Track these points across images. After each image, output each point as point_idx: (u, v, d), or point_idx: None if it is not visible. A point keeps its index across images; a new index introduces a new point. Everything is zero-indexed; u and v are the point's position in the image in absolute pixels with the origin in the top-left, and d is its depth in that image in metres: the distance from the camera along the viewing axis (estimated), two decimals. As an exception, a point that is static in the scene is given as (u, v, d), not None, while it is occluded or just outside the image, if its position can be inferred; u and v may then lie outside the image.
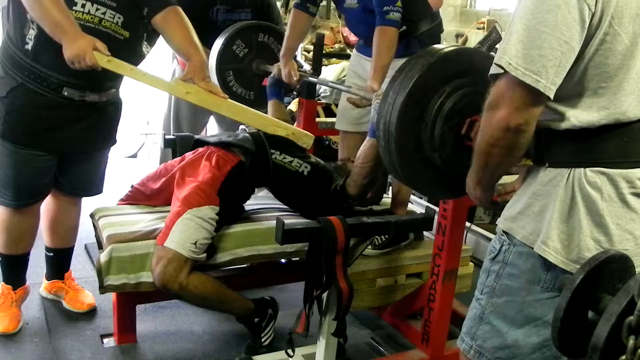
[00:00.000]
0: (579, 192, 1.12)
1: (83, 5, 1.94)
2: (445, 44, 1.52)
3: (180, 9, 2.10)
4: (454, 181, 1.54)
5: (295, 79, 2.44)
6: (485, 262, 1.30)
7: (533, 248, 1.16)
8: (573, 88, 1.11)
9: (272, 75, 2.52)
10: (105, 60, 1.88)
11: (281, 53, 2.47)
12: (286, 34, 2.49)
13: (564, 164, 1.14)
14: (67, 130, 2.08)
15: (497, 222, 1.27)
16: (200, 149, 2.12)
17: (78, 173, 2.24)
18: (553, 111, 1.13)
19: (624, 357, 0.90)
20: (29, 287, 2.33)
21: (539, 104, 1.07)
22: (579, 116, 1.11)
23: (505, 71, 1.06)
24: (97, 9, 1.96)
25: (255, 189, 2.20)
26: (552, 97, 1.06)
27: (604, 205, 1.11)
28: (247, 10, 2.84)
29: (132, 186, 2.23)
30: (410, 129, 1.44)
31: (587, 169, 1.11)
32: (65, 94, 2.01)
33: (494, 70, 1.10)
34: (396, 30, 2.11)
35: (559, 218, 1.13)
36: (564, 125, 1.12)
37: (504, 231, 1.24)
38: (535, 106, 1.07)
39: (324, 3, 5.16)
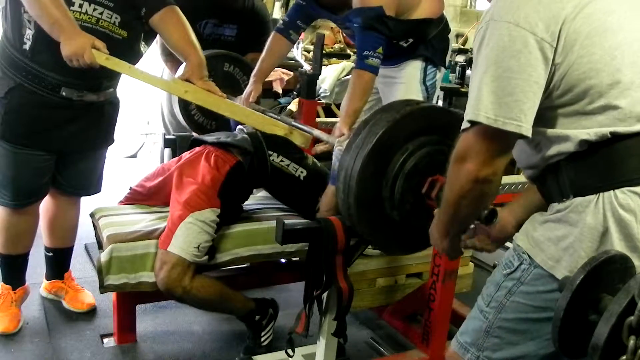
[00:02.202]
0: (611, 216, 1.07)
1: (80, 5, 1.94)
2: (412, 100, 1.52)
3: (177, 9, 2.10)
4: (411, 238, 1.54)
5: (250, 101, 2.38)
6: (497, 274, 1.26)
7: (554, 274, 1.12)
8: (571, 116, 1.10)
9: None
10: (103, 58, 1.88)
11: (253, 72, 2.43)
12: (262, 55, 2.44)
13: (589, 191, 1.10)
14: (65, 130, 2.08)
15: (514, 238, 1.24)
16: (198, 148, 2.12)
17: (76, 172, 2.24)
18: (560, 137, 1.11)
19: (624, 357, 0.90)
20: (28, 287, 2.33)
21: (509, 153, 1.09)
22: (586, 131, 1.09)
23: (473, 124, 1.07)
24: (95, 9, 1.96)
25: (254, 190, 2.20)
26: (530, 136, 1.07)
27: (639, 228, 1.07)
28: (233, 26, 2.80)
29: (130, 188, 2.23)
30: (371, 184, 1.44)
31: (617, 191, 1.07)
32: (64, 93, 2.01)
33: (465, 125, 1.10)
34: (373, 76, 2.08)
35: (590, 247, 1.08)
36: (576, 141, 1.10)
37: (523, 250, 1.20)
38: (504, 155, 1.09)
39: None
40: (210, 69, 2.56)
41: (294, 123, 2.27)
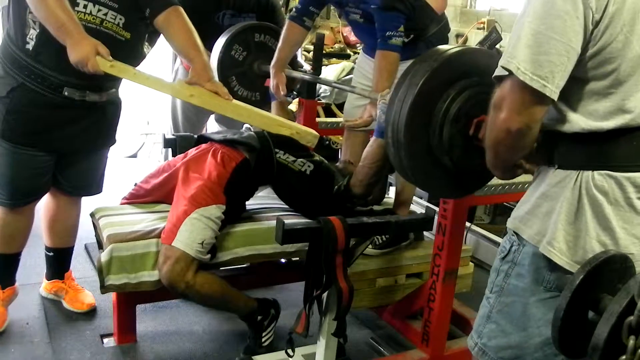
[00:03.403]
0: (585, 194, 1.12)
1: (85, 6, 1.94)
2: (447, 46, 1.52)
3: (181, 9, 2.10)
4: (465, 180, 1.55)
5: (282, 93, 2.43)
6: (495, 261, 1.31)
7: (539, 248, 1.17)
8: (582, 93, 1.11)
9: None
10: (108, 65, 1.89)
11: (272, 63, 2.46)
12: (279, 45, 2.47)
13: (572, 167, 1.15)
14: (66, 130, 2.08)
15: (507, 223, 1.28)
16: (204, 145, 2.12)
17: (77, 172, 2.24)
18: (562, 115, 1.13)
19: (624, 357, 0.90)
20: (17, 288, 2.32)
21: (542, 107, 1.09)
22: (587, 121, 1.11)
23: (510, 73, 1.07)
24: (99, 10, 1.96)
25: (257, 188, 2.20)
26: (556, 99, 1.07)
27: (610, 208, 1.11)
28: (251, 14, 2.84)
29: (135, 184, 2.23)
30: (419, 135, 1.45)
31: (595, 172, 1.12)
32: (66, 94, 2.01)
33: (499, 72, 1.11)
34: (398, 55, 2.11)
35: (566, 220, 1.13)
36: (573, 129, 1.12)
37: (514, 231, 1.25)
38: (537, 109, 1.08)
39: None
40: (242, 43, 2.62)
41: (334, 84, 2.30)
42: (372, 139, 1.96)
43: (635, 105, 1.09)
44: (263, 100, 2.65)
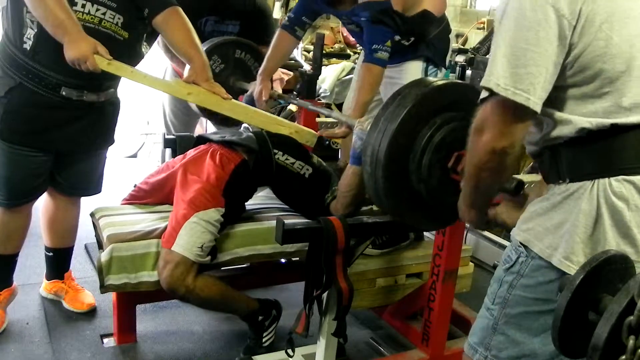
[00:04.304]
0: (604, 203, 1.09)
1: (83, 6, 1.94)
2: (438, 78, 1.54)
3: (180, 9, 2.10)
4: (437, 212, 1.54)
5: (264, 99, 2.42)
6: (498, 271, 1.28)
7: (551, 262, 1.14)
8: (576, 99, 1.11)
9: (248, 93, 2.52)
10: (105, 63, 1.89)
11: (259, 70, 2.46)
12: (268, 53, 2.46)
13: (585, 177, 1.12)
14: (65, 130, 2.08)
15: (512, 232, 1.26)
16: (203, 146, 2.12)
17: (76, 173, 2.24)
18: (561, 120, 1.12)
19: (624, 357, 0.90)
20: (16, 288, 2.31)
21: (524, 123, 1.08)
22: (589, 119, 1.10)
23: (491, 94, 1.06)
24: (97, 9, 1.96)
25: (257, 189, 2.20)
26: (539, 111, 1.06)
27: (631, 215, 1.08)
28: (235, 22, 2.81)
29: (135, 185, 2.23)
30: (399, 158, 1.45)
31: (612, 179, 1.09)
32: (64, 93, 2.01)
33: (483, 94, 1.10)
34: (382, 69, 2.11)
35: (584, 232, 1.10)
36: (577, 127, 1.11)
37: (520, 242, 1.22)
38: (520, 126, 1.08)
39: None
40: (222, 56, 2.59)
41: (310, 107, 2.33)
42: (347, 166, 1.93)
43: (635, 101, 1.08)
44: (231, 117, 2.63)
